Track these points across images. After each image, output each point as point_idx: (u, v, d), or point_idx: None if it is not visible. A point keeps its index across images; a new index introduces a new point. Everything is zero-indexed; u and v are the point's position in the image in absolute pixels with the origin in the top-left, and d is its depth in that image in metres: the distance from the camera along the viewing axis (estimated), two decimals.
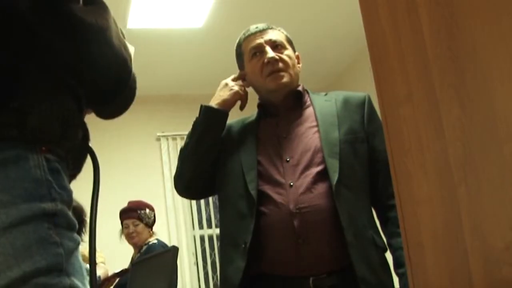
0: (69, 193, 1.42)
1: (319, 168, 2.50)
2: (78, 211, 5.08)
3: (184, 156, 2.77)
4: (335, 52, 7.62)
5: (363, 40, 1.52)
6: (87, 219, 5.09)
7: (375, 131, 2.61)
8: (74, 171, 1.52)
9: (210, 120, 2.69)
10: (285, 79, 2.65)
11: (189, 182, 2.77)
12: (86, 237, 5.20)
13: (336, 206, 2.43)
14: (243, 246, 2.47)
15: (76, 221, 1.45)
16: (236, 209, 2.57)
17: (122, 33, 1.75)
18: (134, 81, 1.55)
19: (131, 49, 1.80)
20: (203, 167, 2.71)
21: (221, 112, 2.69)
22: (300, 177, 2.49)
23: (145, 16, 6.20)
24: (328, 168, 2.48)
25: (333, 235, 2.44)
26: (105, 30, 1.42)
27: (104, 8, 1.47)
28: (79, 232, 5.18)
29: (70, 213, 1.41)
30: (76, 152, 1.45)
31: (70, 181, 1.48)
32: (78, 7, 1.40)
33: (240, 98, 2.75)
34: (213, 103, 2.71)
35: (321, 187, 2.47)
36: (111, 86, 1.49)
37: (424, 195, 1.24)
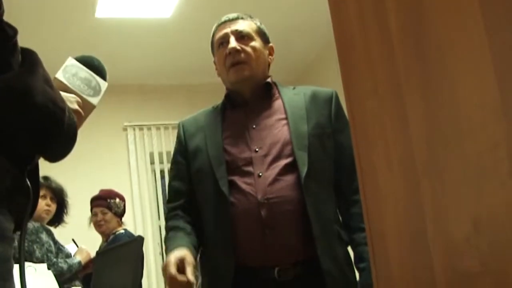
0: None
1: (288, 160, 2.52)
2: (59, 192, 5.09)
3: None
4: (302, 45, 7.65)
5: (331, 32, 1.53)
6: (68, 199, 5.14)
7: (342, 127, 2.64)
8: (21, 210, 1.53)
9: None
10: (246, 72, 2.65)
11: None
12: (67, 218, 5.23)
13: (304, 198, 2.45)
14: (224, 244, 2.49)
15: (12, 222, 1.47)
16: (212, 210, 2.58)
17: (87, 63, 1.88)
18: (70, 128, 1.58)
19: (103, 85, 1.96)
20: None
21: None
22: (269, 168, 2.50)
23: (113, 6, 6.20)
24: (297, 160, 2.50)
25: (300, 226, 2.46)
26: (22, 93, 1.43)
27: (28, 72, 1.48)
28: (61, 213, 5.19)
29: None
30: (8, 197, 1.45)
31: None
32: None
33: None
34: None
35: (289, 179, 2.49)
36: (39, 141, 1.52)
37: (388, 189, 1.26)
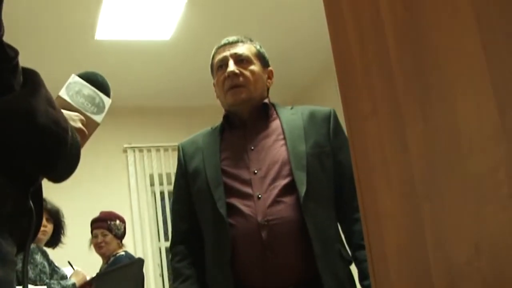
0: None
1: (287, 180, 2.51)
2: (54, 213, 5.08)
3: None
4: (301, 65, 7.65)
5: (329, 53, 1.53)
6: (65, 220, 5.12)
7: (341, 145, 2.64)
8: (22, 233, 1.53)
9: None
10: (243, 95, 2.65)
11: None
12: (67, 239, 5.21)
13: (304, 218, 2.44)
14: (223, 265, 2.50)
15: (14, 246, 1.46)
16: (211, 231, 2.59)
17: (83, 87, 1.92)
18: (73, 148, 1.58)
19: (107, 102, 1.98)
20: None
21: None
22: (268, 189, 2.50)
23: (113, 28, 6.20)
24: (295, 180, 2.50)
25: (301, 247, 2.46)
26: (25, 114, 1.44)
27: (30, 93, 1.49)
28: (58, 234, 5.17)
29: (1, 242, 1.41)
30: (10, 221, 1.45)
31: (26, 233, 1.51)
32: None
33: None
34: None
35: (289, 199, 2.48)
36: (43, 162, 1.52)
37: (388, 210, 1.25)
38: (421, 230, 1.13)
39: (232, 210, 2.51)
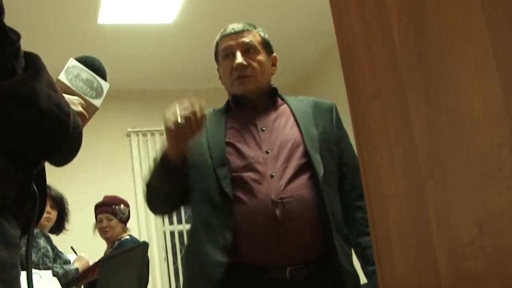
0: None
1: (301, 160, 2.55)
2: (59, 200, 5.08)
3: (151, 195, 2.79)
4: (303, 48, 7.63)
5: (332, 36, 1.53)
6: (69, 207, 5.13)
7: (343, 136, 2.71)
8: (26, 217, 1.53)
9: (163, 170, 2.60)
10: (250, 85, 2.68)
11: (164, 211, 2.94)
12: (71, 225, 5.22)
13: (322, 196, 2.46)
14: (223, 242, 2.47)
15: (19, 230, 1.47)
16: (212, 204, 2.57)
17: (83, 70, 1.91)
18: (75, 132, 1.58)
19: (105, 86, 1.96)
20: (173, 198, 2.71)
21: (168, 165, 2.55)
22: (281, 168, 2.52)
23: (115, 12, 6.19)
24: (312, 160, 2.53)
25: (314, 225, 2.48)
26: (27, 98, 1.44)
27: (32, 77, 1.49)
28: (62, 221, 5.18)
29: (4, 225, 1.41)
30: (15, 204, 1.46)
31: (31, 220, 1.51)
32: None
33: (172, 135, 2.48)
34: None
35: (303, 179, 2.51)
36: (45, 146, 1.53)
37: (392, 190, 1.25)
38: (425, 210, 1.13)
39: (243, 187, 2.51)
